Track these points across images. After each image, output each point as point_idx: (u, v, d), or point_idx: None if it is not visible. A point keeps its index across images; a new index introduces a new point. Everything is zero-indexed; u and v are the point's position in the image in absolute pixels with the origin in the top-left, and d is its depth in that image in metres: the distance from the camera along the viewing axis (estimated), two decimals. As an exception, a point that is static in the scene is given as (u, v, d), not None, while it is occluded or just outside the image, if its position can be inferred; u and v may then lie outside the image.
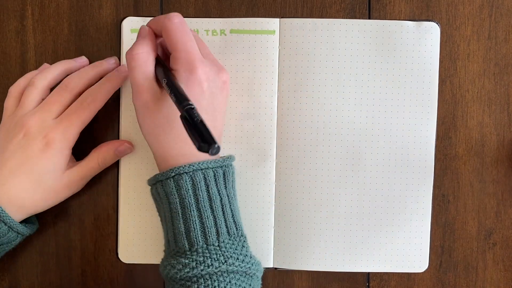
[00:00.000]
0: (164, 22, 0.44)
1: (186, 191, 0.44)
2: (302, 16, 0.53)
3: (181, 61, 0.44)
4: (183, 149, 0.45)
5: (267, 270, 0.53)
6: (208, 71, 0.44)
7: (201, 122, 0.38)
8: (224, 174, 0.46)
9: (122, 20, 0.52)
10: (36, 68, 0.53)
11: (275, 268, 0.53)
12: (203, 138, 0.37)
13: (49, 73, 0.50)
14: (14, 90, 0.50)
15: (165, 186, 0.45)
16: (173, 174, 0.44)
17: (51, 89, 0.50)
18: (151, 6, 0.53)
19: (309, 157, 0.52)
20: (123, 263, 0.53)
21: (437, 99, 0.52)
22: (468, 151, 0.53)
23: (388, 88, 0.52)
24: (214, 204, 0.44)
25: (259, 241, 0.52)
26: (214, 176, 0.45)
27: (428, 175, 0.52)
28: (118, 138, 0.53)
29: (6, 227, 0.46)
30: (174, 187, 0.44)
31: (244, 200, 0.52)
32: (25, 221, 0.50)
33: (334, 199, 0.52)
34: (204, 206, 0.44)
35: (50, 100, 0.49)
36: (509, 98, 0.53)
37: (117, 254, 0.53)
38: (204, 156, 0.45)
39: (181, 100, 0.40)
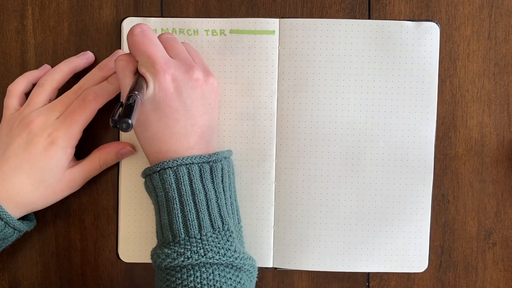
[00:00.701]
0: (127, 37, 0.46)
1: (169, 185, 0.46)
2: (302, 16, 0.53)
3: (144, 66, 0.45)
4: (166, 145, 0.46)
5: (267, 270, 0.53)
6: (174, 72, 0.45)
7: (128, 104, 0.40)
8: (211, 169, 0.47)
9: (122, 20, 0.52)
10: (36, 68, 0.53)
11: (275, 268, 0.53)
12: (124, 113, 0.40)
13: (57, 73, 0.51)
14: (13, 88, 0.51)
15: (152, 180, 0.47)
16: (158, 168, 0.46)
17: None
18: (151, 6, 0.53)
19: (309, 157, 0.52)
20: (123, 263, 0.53)
21: (437, 99, 0.52)
22: (468, 151, 0.53)
23: (388, 88, 0.52)
24: (198, 198, 0.46)
25: (258, 241, 0.52)
26: (200, 171, 0.46)
27: (428, 175, 0.52)
28: (118, 138, 0.53)
29: (3, 222, 0.47)
30: (159, 181, 0.46)
31: (244, 200, 0.52)
32: (22, 218, 0.50)
33: (333, 199, 0.52)
34: (187, 200, 0.45)
35: (58, 101, 0.50)
36: (509, 98, 0.53)
37: (117, 254, 0.53)
38: (188, 152, 0.46)
39: (129, 90, 0.43)
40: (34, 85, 0.51)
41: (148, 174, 0.47)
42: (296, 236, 0.52)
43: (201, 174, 0.46)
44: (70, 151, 0.49)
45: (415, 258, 0.52)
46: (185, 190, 0.45)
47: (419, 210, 0.52)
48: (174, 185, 0.45)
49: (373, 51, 0.52)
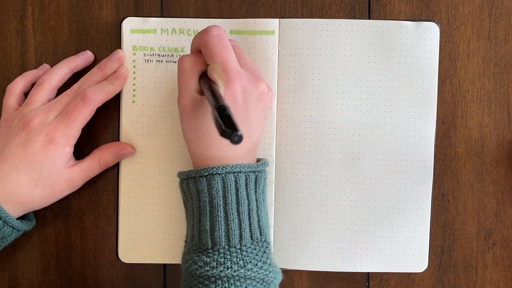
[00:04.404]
0: (202, 36, 0.45)
1: (216, 191, 0.45)
2: (302, 17, 0.53)
3: (217, 72, 0.44)
4: (220, 153, 0.46)
5: (267, 270, 0.53)
6: (244, 83, 0.45)
7: (229, 116, 0.39)
8: (256, 179, 0.47)
9: (122, 20, 0.52)
10: (36, 68, 0.53)
11: (275, 268, 0.53)
12: (227, 125, 0.38)
13: (56, 73, 0.51)
14: (12, 88, 0.51)
15: (197, 184, 0.46)
16: (206, 173, 0.45)
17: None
18: (151, 6, 0.53)
19: (309, 157, 0.52)
20: (123, 263, 0.53)
21: (436, 99, 0.52)
22: (468, 151, 0.53)
23: (388, 88, 0.52)
24: (242, 208, 0.45)
25: (259, 241, 0.52)
26: (246, 180, 0.46)
27: (427, 175, 0.52)
28: (118, 138, 0.53)
29: (1, 221, 0.47)
30: (206, 186, 0.45)
31: (244, 200, 0.52)
32: (22, 218, 0.50)
33: (333, 199, 0.52)
34: (231, 208, 0.45)
35: (57, 100, 0.50)
36: (509, 98, 0.53)
37: (117, 254, 0.53)
38: (238, 161, 0.46)
39: (216, 99, 0.41)
40: (33, 84, 0.51)
41: (192, 177, 0.46)
42: (296, 236, 0.52)
43: (247, 183, 0.46)
44: (68, 150, 0.49)
45: (415, 258, 0.52)
46: (231, 198, 0.45)
47: (419, 210, 0.52)
48: (220, 192, 0.45)
49: (373, 51, 0.52)
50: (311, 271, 0.53)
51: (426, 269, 0.53)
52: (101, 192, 0.54)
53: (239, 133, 0.38)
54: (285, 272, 0.54)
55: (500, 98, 0.53)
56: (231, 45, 0.47)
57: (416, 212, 0.52)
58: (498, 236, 0.53)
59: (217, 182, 0.45)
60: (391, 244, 0.52)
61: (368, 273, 0.54)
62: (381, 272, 0.54)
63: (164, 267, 0.54)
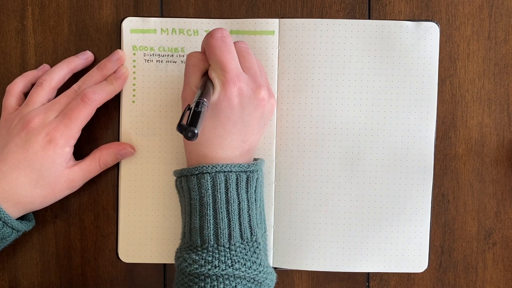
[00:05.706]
0: (206, 37, 0.46)
1: (206, 190, 0.45)
2: (302, 17, 0.53)
3: (216, 72, 0.45)
4: (211, 152, 0.46)
5: (267, 270, 0.53)
6: (242, 87, 0.45)
7: (197, 112, 0.40)
8: (247, 179, 0.47)
9: (122, 20, 0.52)
10: (36, 68, 0.53)
11: (275, 268, 0.53)
12: (187, 122, 0.40)
13: (56, 73, 0.51)
14: (12, 88, 0.51)
15: (188, 182, 0.46)
16: (196, 172, 0.46)
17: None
18: (151, 6, 0.53)
19: (309, 157, 0.52)
20: (123, 263, 0.53)
21: (436, 99, 0.52)
22: (468, 151, 0.53)
23: (387, 88, 0.52)
24: (231, 207, 0.46)
25: (259, 241, 0.52)
26: (236, 180, 0.46)
27: (427, 175, 0.52)
28: (118, 139, 0.53)
29: (1, 222, 0.47)
30: (196, 184, 0.46)
31: (244, 200, 0.52)
32: (21, 218, 0.50)
33: (333, 199, 0.52)
34: (221, 207, 0.45)
35: (57, 101, 0.50)
36: (509, 98, 0.53)
37: (117, 254, 0.53)
38: (229, 162, 0.46)
39: (200, 95, 0.43)
40: (33, 85, 0.51)
41: (184, 175, 0.47)
42: (296, 236, 0.52)
43: (237, 183, 0.46)
44: (68, 150, 0.49)
45: (415, 258, 0.52)
46: (220, 197, 0.45)
47: (419, 210, 0.52)
48: (210, 191, 0.45)
49: (373, 51, 0.52)
50: (311, 271, 0.53)
51: (426, 269, 0.53)
52: (101, 192, 0.54)
53: (195, 130, 0.39)
54: (285, 272, 0.54)
55: (500, 98, 0.53)
56: (240, 47, 0.47)
57: (416, 212, 0.52)
58: (498, 236, 0.53)
59: (207, 181, 0.45)
60: (391, 244, 0.52)
61: (368, 273, 0.54)
62: (381, 272, 0.54)
63: (164, 267, 0.54)
